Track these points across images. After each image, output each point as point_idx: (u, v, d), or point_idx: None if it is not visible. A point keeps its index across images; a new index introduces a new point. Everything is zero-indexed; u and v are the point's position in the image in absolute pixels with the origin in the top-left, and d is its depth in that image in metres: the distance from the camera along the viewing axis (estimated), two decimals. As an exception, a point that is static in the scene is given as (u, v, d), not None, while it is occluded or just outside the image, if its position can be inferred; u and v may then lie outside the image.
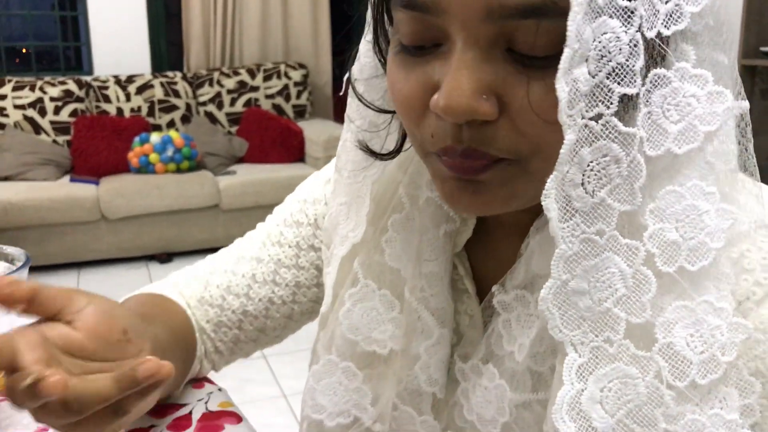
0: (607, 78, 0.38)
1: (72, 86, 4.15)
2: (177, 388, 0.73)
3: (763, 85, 3.59)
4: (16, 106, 4.04)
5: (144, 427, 0.68)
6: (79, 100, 4.16)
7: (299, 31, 4.83)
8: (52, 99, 4.09)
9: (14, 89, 4.05)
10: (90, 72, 4.50)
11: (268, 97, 4.57)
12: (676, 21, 0.39)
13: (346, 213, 0.59)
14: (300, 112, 4.66)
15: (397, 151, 0.56)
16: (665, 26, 0.39)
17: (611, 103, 0.39)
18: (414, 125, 0.47)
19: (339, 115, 4.90)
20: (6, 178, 3.82)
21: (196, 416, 0.71)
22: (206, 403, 0.73)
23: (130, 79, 4.32)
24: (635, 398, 0.42)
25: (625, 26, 0.38)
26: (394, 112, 0.54)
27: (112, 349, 0.51)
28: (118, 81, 4.29)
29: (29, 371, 0.44)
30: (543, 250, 0.49)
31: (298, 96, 4.65)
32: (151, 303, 0.72)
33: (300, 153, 4.35)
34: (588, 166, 0.39)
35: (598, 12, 0.38)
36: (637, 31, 0.38)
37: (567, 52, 0.38)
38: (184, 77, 4.45)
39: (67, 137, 4.11)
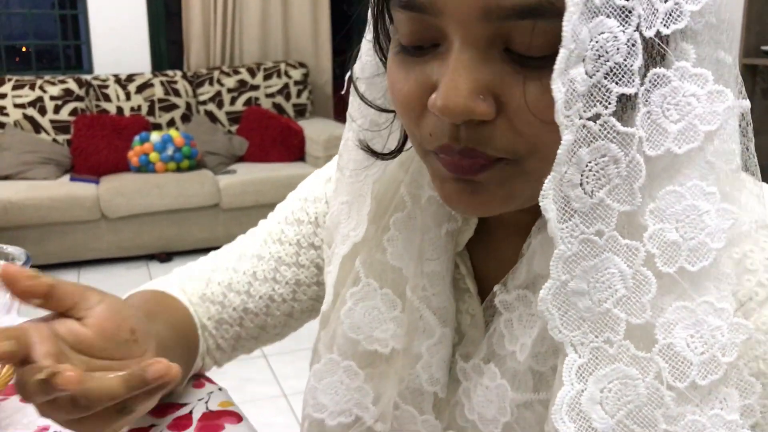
0: (605, 78, 0.38)
1: (72, 85, 4.15)
2: (179, 386, 0.73)
3: (764, 84, 3.59)
4: (16, 105, 4.04)
5: (144, 426, 0.68)
6: (79, 99, 4.16)
7: (299, 30, 4.83)
8: (52, 98, 4.09)
9: (14, 88, 4.05)
10: (90, 71, 4.50)
11: (268, 96, 4.57)
12: (676, 20, 0.39)
13: (347, 212, 0.59)
14: (300, 111, 4.66)
15: (398, 150, 0.56)
16: (665, 25, 0.39)
17: (609, 103, 0.39)
18: (413, 125, 0.47)
19: (339, 114, 4.90)
20: (6, 177, 3.82)
21: (196, 416, 0.71)
22: (206, 402, 0.73)
23: (130, 78, 4.32)
24: (635, 399, 0.42)
25: (623, 26, 0.38)
26: (395, 111, 0.54)
27: (119, 348, 0.51)
28: (118, 80, 4.29)
29: (41, 365, 0.45)
30: (545, 250, 0.48)
31: (299, 95, 4.65)
32: (154, 300, 0.73)
33: (300, 152, 4.35)
34: (586, 166, 0.39)
35: (594, 12, 0.37)
36: (635, 31, 0.38)
37: (563, 53, 0.38)
38: (184, 76, 4.45)
39: (67, 136, 4.11)
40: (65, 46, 4.71)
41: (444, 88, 0.42)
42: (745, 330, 0.43)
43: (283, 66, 4.63)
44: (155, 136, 3.93)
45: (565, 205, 0.40)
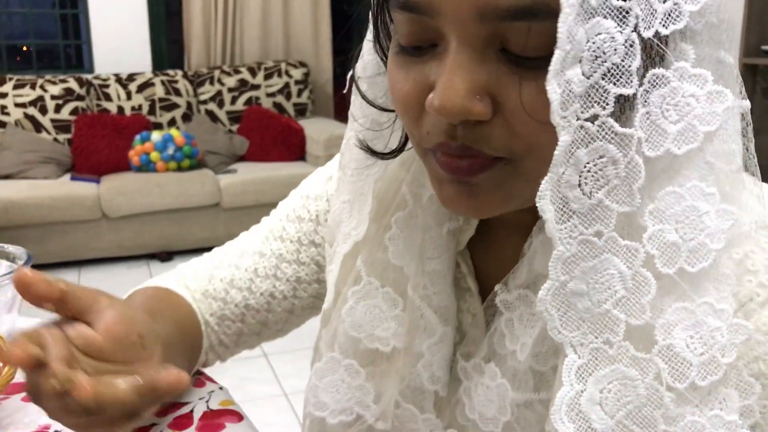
0: (603, 79, 0.38)
1: (73, 84, 4.15)
2: None
3: (764, 83, 3.59)
4: (17, 105, 4.04)
5: (145, 425, 0.68)
6: (80, 98, 4.16)
7: (300, 30, 4.83)
8: (52, 97, 4.09)
9: (15, 87, 4.05)
10: (91, 70, 4.51)
11: (269, 95, 4.57)
12: (675, 20, 0.39)
13: (349, 211, 0.59)
14: (301, 111, 4.66)
15: (399, 150, 0.57)
16: (663, 25, 0.39)
17: (607, 104, 0.38)
18: (412, 124, 0.47)
19: (340, 114, 4.90)
20: (7, 177, 3.82)
21: (197, 415, 0.71)
22: (207, 401, 0.73)
23: (131, 77, 4.32)
24: (635, 400, 0.42)
25: (620, 26, 0.38)
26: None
27: (127, 352, 0.52)
28: (118, 79, 4.29)
29: (54, 370, 0.45)
30: (546, 250, 0.49)
31: (299, 94, 4.65)
32: (158, 298, 0.73)
33: (301, 151, 4.35)
34: (585, 167, 0.39)
35: (591, 13, 0.37)
36: (632, 31, 0.38)
37: (558, 54, 0.38)
38: (185, 75, 4.45)
39: (68, 135, 4.11)
40: (66, 46, 4.71)
41: (441, 88, 0.42)
42: (744, 331, 0.43)
43: (283, 65, 4.63)
44: (156, 136, 3.93)
45: (564, 206, 0.40)
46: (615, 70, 0.38)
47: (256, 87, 4.54)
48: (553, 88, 0.38)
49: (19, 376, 0.76)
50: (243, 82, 4.51)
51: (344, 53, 5.40)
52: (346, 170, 0.59)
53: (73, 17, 4.67)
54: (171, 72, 4.43)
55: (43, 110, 4.08)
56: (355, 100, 0.56)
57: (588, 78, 0.38)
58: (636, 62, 0.38)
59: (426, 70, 0.45)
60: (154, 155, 3.90)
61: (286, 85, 4.61)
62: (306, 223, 0.73)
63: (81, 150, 4.00)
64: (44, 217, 3.63)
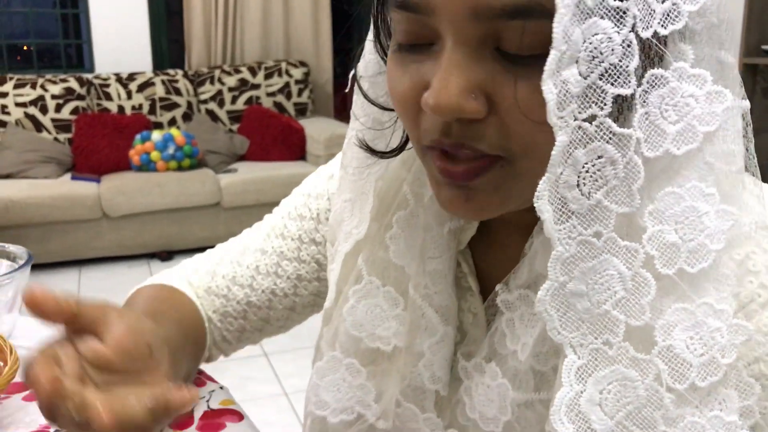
0: (600, 79, 0.38)
1: (73, 84, 4.15)
2: (188, 381, 0.74)
3: (764, 83, 3.59)
4: (18, 104, 4.04)
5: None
6: (81, 97, 4.16)
7: (300, 29, 4.83)
8: (53, 97, 4.10)
9: (16, 87, 4.05)
10: (91, 70, 4.51)
11: (269, 95, 4.57)
12: (674, 20, 0.39)
13: (350, 210, 0.59)
14: (301, 110, 4.66)
15: (399, 149, 0.57)
16: (662, 26, 0.39)
17: (605, 104, 0.38)
18: (410, 122, 0.48)
19: (340, 113, 4.90)
20: (7, 176, 3.82)
21: (197, 414, 0.71)
22: (208, 401, 0.74)
23: (132, 76, 4.32)
24: (635, 400, 0.42)
25: (617, 27, 0.38)
26: None
27: (136, 364, 0.53)
28: (119, 79, 4.29)
29: (69, 391, 0.46)
30: (547, 250, 0.48)
31: (299, 94, 4.65)
32: (161, 297, 0.74)
33: (301, 151, 4.35)
34: (583, 167, 0.39)
35: (587, 13, 0.37)
36: (630, 32, 0.38)
37: (554, 54, 0.38)
38: (186, 75, 4.45)
39: (69, 135, 4.11)
40: (66, 45, 4.71)
41: (435, 87, 0.42)
42: (744, 331, 0.43)
43: (284, 65, 4.63)
44: (156, 135, 3.93)
45: (563, 206, 0.40)
46: (612, 71, 0.38)
47: (257, 86, 4.54)
48: (549, 88, 0.38)
49: (20, 376, 0.76)
50: (243, 82, 4.51)
51: (344, 53, 5.40)
52: (348, 169, 0.59)
53: (73, 17, 4.67)
54: (171, 71, 4.43)
55: (44, 110, 4.08)
56: (357, 99, 0.56)
57: (585, 78, 0.38)
58: (634, 62, 0.38)
59: (423, 69, 0.45)
60: (155, 155, 3.90)
61: (287, 84, 4.61)
62: (307, 221, 0.73)
63: (81, 149, 4.00)
64: (45, 217, 3.64)
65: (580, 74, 0.38)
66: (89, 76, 4.28)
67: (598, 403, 0.42)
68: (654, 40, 0.39)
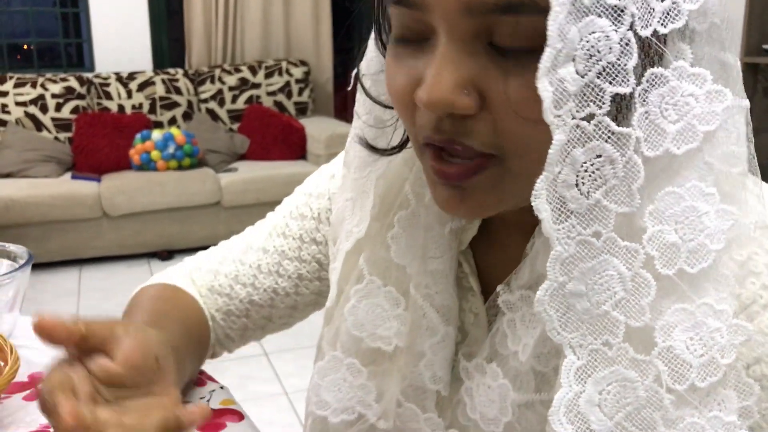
0: (598, 77, 0.38)
1: (73, 83, 4.15)
2: (192, 379, 0.75)
3: (765, 82, 3.59)
4: (18, 103, 4.04)
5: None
6: (81, 96, 4.16)
7: (301, 28, 4.83)
8: (53, 96, 4.10)
9: (16, 86, 4.05)
10: (91, 69, 4.51)
11: (269, 94, 4.57)
12: (674, 19, 0.39)
13: (351, 209, 0.59)
14: (301, 110, 4.66)
15: (400, 147, 0.57)
16: (662, 24, 0.39)
17: (603, 103, 0.38)
18: (407, 119, 0.48)
19: (340, 113, 4.90)
20: (8, 175, 3.82)
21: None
22: (208, 400, 0.73)
23: (132, 75, 4.32)
24: (634, 401, 0.41)
25: (615, 25, 0.37)
26: None
27: (145, 377, 0.55)
28: (119, 78, 4.29)
29: (92, 423, 0.47)
30: (548, 251, 0.48)
31: (300, 93, 4.65)
32: (165, 297, 0.75)
33: (301, 150, 4.35)
34: (582, 166, 0.39)
35: (584, 12, 0.37)
36: (628, 30, 0.38)
37: (549, 52, 0.38)
38: (186, 74, 4.45)
39: (69, 134, 4.11)
40: (67, 44, 4.71)
41: (428, 82, 0.43)
42: (744, 331, 0.43)
43: (284, 64, 4.63)
44: (157, 134, 3.93)
45: (561, 206, 0.40)
46: (611, 69, 0.38)
47: (257, 86, 4.54)
48: (545, 86, 0.38)
49: (20, 375, 0.76)
50: (244, 81, 4.51)
51: (345, 52, 5.40)
52: (350, 168, 0.59)
53: (73, 16, 4.67)
54: (172, 71, 4.43)
55: (44, 109, 4.08)
56: (360, 97, 0.56)
57: (583, 77, 0.38)
58: (632, 61, 0.38)
59: (418, 64, 0.45)
60: (155, 154, 3.90)
61: (287, 83, 4.61)
62: (308, 220, 0.74)
63: (82, 149, 4.00)
64: (45, 216, 3.64)
65: (578, 72, 0.38)
66: (89, 75, 4.28)
67: (597, 404, 0.42)
68: (653, 39, 0.39)
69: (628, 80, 0.38)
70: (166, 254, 3.91)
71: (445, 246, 0.56)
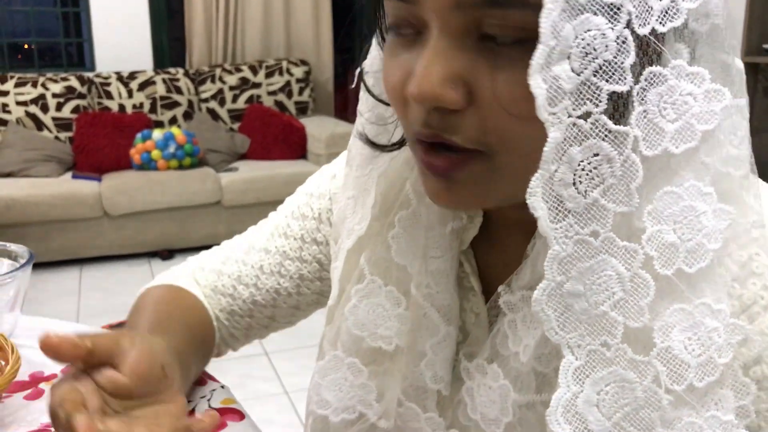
0: (594, 75, 0.38)
1: (74, 82, 4.15)
2: (195, 380, 0.76)
3: (765, 82, 3.59)
4: (19, 103, 4.04)
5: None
6: (81, 96, 4.16)
7: (301, 28, 4.82)
8: (54, 95, 4.10)
9: (16, 85, 4.05)
10: (92, 68, 4.51)
11: (270, 93, 4.57)
12: (672, 17, 0.39)
13: (353, 207, 0.59)
14: (302, 109, 4.66)
15: (400, 143, 0.57)
16: (660, 23, 0.39)
17: (600, 101, 0.38)
18: (400, 113, 0.48)
19: (341, 112, 4.90)
20: (8, 175, 3.82)
21: (198, 413, 0.71)
22: (209, 400, 0.74)
23: (132, 75, 4.32)
24: (632, 402, 0.41)
25: (611, 23, 0.37)
26: None
27: (152, 386, 0.56)
28: (120, 77, 4.29)
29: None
30: None
31: (300, 93, 4.65)
32: (169, 299, 0.75)
33: (302, 150, 4.35)
34: (579, 165, 0.39)
35: (579, 9, 0.37)
36: (625, 28, 0.38)
37: (541, 49, 0.38)
38: (186, 74, 4.44)
39: (69, 134, 4.11)
40: (67, 44, 4.71)
41: (417, 75, 0.43)
42: (741, 331, 0.43)
43: (284, 63, 4.63)
44: (157, 134, 3.93)
45: (559, 205, 0.40)
46: (607, 67, 0.38)
47: (258, 85, 4.54)
48: (538, 83, 0.38)
49: (21, 375, 0.76)
50: (244, 81, 4.51)
51: (345, 51, 5.39)
52: (352, 165, 0.59)
53: (74, 15, 4.67)
54: (172, 70, 4.43)
55: (45, 108, 4.08)
56: (362, 95, 0.57)
57: (578, 74, 0.38)
58: (630, 59, 0.38)
59: (411, 59, 0.45)
60: (156, 153, 3.90)
61: (288, 83, 4.61)
62: (309, 220, 0.74)
63: (82, 148, 4.00)
64: (45, 216, 3.64)
65: (573, 70, 0.38)
66: (90, 74, 4.28)
67: (595, 404, 0.41)
68: (652, 38, 0.39)
69: (625, 78, 0.38)
70: (167, 254, 3.91)
71: (446, 246, 0.56)
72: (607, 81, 0.38)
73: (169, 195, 3.82)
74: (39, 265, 3.46)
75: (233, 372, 2.55)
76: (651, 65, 0.40)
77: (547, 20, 0.37)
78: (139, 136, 3.96)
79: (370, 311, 0.58)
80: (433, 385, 0.56)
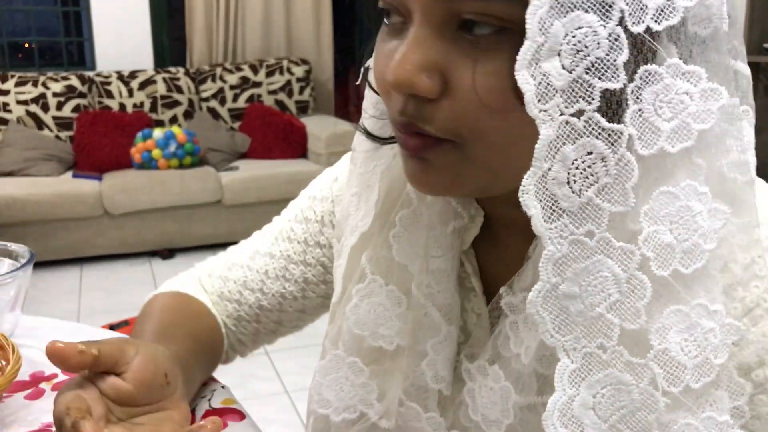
0: (587, 73, 0.38)
1: (75, 82, 4.15)
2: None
3: (766, 81, 3.59)
4: (19, 102, 4.04)
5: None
6: (82, 95, 4.16)
7: (302, 27, 4.82)
8: (54, 94, 4.10)
9: (17, 85, 4.05)
10: (93, 67, 4.50)
11: (270, 92, 4.56)
12: (668, 16, 0.39)
13: (356, 204, 0.59)
14: (302, 108, 4.66)
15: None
16: (656, 21, 0.38)
17: (593, 99, 0.38)
18: (385, 101, 0.48)
19: (341, 111, 4.90)
20: (9, 174, 3.82)
21: (199, 413, 0.71)
22: (209, 400, 0.73)
23: (133, 74, 4.31)
24: (629, 404, 0.41)
25: (603, 20, 0.37)
26: None
27: (156, 393, 0.57)
28: (120, 76, 4.29)
29: None
30: None
31: (301, 92, 4.65)
32: (175, 307, 0.76)
33: (302, 149, 4.35)
34: (572, 163, 0.39)
35: (569, 7, 0.37)
36: (617, 25, 0.37)
37: (528, 45, 0.37)
38: (187, 73, 4.44)
39: (70, 133, 4.11)
40: (68, 43, 4.71)
41: (394, 62, 0.43)
42: (736, 331, 0.43)
43: (285, 63, 4.62)
44: (158, 133, 3.93)
45: (553, 204, 0.39)
46: (599, 65, 0.37)
47: (258, 84, 4.54)
48: (526, 79, 0.38)
49: (22, 375, 0.76)
50: (245, 80, 4.51)
51: (346, 50, 5.39)
52: (356, 163, 0.59)
53: (75, 14, 4.67)
54: (173, 69, 4.43)
55: (45, 107, 4.08)
56: (367, 92, 0.57)
57: (570, 72, 0.38)
58: (622, 57, 0.38)
59: (396, 47, 0.45)
60: (156, 152, 3.90)
61: (288, 82, 4.61)
62: (312, 224, 0.74)
63: (83, 147, 4.00)
64: (46, 215, 3.64)
65: (564, 67, 0.37)
66: (91, 73, 4.28)
67: (591, 407, 0.41)
68: (646, 36, 0.39)
69: (618, 76, 0.38)
70: (168, 253, 3.91)
71: (447, 245, 0.56)
72: (599, 78, 0.38)
73: (169, 194, 3.82)
74: (40, 265, 3.46)
75: (234, 371, 2.53)
76: (646, 63, 0.39)
77: (533, 16, 0.37)
78: (139, 135, 3.96)
79: (371, 310, 0.58)
80: (434, 384, 0.56)
